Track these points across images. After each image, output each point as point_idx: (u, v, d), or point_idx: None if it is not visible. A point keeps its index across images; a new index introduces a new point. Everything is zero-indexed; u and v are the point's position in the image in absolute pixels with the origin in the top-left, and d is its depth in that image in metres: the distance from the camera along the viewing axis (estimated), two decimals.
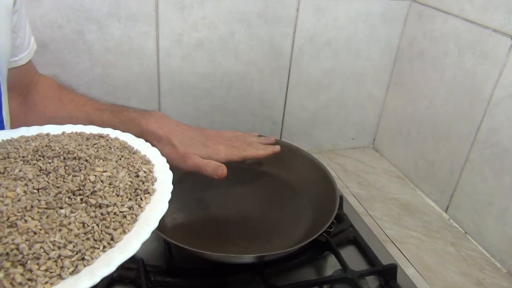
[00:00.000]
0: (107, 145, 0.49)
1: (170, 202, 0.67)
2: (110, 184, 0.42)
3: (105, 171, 0.44)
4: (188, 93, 0.84)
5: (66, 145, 0.47)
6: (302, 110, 0.95)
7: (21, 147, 0.45)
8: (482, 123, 0.73)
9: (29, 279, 0.31)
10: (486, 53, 0.71)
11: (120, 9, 0.73)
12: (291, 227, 0.68)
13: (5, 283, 0.30)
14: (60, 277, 0.33)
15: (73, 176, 0.42)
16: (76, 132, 0.52)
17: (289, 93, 0.91)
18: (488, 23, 0.71)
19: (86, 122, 0.55)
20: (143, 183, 0.44)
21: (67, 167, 0.43)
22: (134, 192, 0.43)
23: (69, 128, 0.53)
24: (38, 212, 0.37)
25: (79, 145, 0.47)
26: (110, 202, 0.40)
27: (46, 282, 0.31)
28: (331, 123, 0.99)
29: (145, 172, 0.46)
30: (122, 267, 0.60)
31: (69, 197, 0.39)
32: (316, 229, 0.60)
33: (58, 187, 0.40)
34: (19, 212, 0.36)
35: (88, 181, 0.42)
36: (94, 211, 0.39)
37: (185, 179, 0.75)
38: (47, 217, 0.36)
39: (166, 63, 0.80)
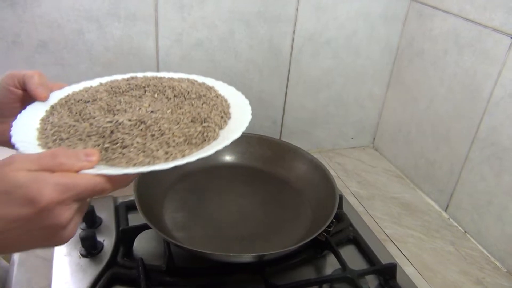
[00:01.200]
0: (157, 79, 0.59)
1: (169, 201, 0.68)
2: (193, 88, 0.56)
3: (181, 84, 0.56)
4: None
5: (128, 83, 0.56)
6: (302, 110, 0.95)
7: (94, 92, 0.54)
8: (481, 122, 0.73)
9: (215, 125, 0.49)
10: (485, 52, 0.71)
11: (119, 9, 0.73)
12: (290, 226, 0.68)
13: (205, 131, 0.48)
14: (226, 122, 0.51)
15: (159, 93, 0.54)
16: (110, 81, 0.59)
17: (289, 92, 0.91)
18: (487, 22, 0.70)
19: None
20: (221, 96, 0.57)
21: (147, 92, 0.54)
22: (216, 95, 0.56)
23: (105, 79, 0.59)
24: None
25: (136, 81, 0.57)
26: (205, 94, 0.55)
27: (221, 127, 0.50)
28: (331, 122, 0.99)
29: (214, 89, 0.58)
30: (122, 266, 0.60)
31: (177, 99, 0.53)
32: (315, 228, 0.61)
33: (160, 100, 0.52)
34: (168, 110, 0.50)
35: (179, 88, 0.55)
36: (199, 101, 0.53)
37: (185, 178, 0.75)
38: (181, 108, 0.51)
39: (166, 63, 0.80)
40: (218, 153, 0.81)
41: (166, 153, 0.44)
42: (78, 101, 0.52)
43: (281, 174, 0.78)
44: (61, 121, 0.48)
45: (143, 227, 0.64)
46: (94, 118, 0.48)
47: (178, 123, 0.48)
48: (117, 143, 0.44)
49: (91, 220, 0.67)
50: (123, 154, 0.43)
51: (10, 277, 0.61)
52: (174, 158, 0.44)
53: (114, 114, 0.49)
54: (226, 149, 0.79)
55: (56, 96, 0.52)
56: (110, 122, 0.47)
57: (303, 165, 0.77)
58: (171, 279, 0.59)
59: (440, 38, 0.81)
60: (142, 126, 0.46)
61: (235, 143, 0.81)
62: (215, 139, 0.48)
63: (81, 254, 0.62)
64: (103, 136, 0.45)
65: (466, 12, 0.74)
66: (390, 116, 0.99)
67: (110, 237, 0.65)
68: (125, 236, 0.64)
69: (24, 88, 0.49)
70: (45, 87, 0.50)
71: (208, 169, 0.79)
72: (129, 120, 0.47)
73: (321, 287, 0.61)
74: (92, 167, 0.39)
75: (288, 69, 0.89)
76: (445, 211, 0.83)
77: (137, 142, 0.44)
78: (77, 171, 0.37)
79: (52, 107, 0.51)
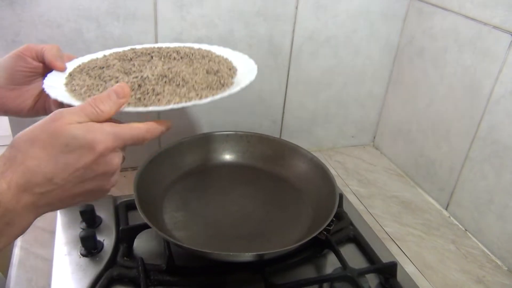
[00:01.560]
0: (157, 48, 0.63)
1: (169, 200, 0.68)
2: (195, 51, 0.61)
3: (183, 49, 0.61)
4: None
5: (133, 52, 0.60)
6: (302, 108, 0.95)
7: (105, 60, 0.58)
8: (482, 120, 0.73)
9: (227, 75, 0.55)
10: (486, 50, 0.71)
11: (119, 8, 0.73)
12: (290, 225, 0.68)
13: (220, 79, 0.53)
14: (235, 73, 0.57)
15: (165, 57, 0.58)
16: (113, 52, 0.62)
17: (289, 91, 0.91)
18: (488, 20, 0.70)
19: None
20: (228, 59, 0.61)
21: (154, 57, 0.58)
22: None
23: (107, 51, 0.63)
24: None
25: (140, 50, 0.61)
26: (207, 55, 0.60)
27: (232, 77, 0.56)
28: (331, 121, 0.99)
29: (212, 51, 0.63)
30: (122, 265, 0.60)
31: (185, 59, 0.58)
32: (316, 227, 0.60)
33: (169, 62, 0.57)
34: (182, 66, 0.54)
35: (183, 51, 0.60)
36: (204, 60, 0.58)
37: (185, 177, 0.75)
38: (191, 65, 0.56)
39: None
40: (217, 152, 0.83)
41: (197, 94, 0.49)
42: (93, 68, 0.55)
43: (281, 173, 0.78)
44: (86, 83, 0.51)
45: (143, 227, 0.64)
46: (117, 77, 0.52)
47: (196, 74, 0.53)
48: (148, 92, 0.48)
49: (91, 220, 0.67)
50: (159, 99, 0.47)
51: (8, 282, 0.61)
52: (206, 97, 0.49)
53: (130, 74, 0.53)
54: (226, 147, 0.80)
55: (69, 67, 0.56)
56: (136, 77, 0.50)
57: (303, 164, 0.77)
58: (171, 278, 0.59)
59: (440, 36, 0.80)
60: (165, 79, 0.51)
61: (235, 142, 0.82)
62: (232, 84, 0.54)
63: (81, 254, 0.62)
64: (133, 89, 0.49)
65: (466, 9, 0.74)
66: (390, 115, 0.99)
67: (110, 237, 0.65)
68: (125, 236, 0.64)
69: (41, 61, 0.53)
70: (63, 59, 0.55)
71: (208, 168, 0.79)
72: (152, 75, 0.51)
73: (321, 286, 0.61)
74: (127, 101, 0.44)
75: (288, 68, 0.89)
76: (446, 209, 0.83)
77: (168, 89, 0.49)
78: (117, 110, 0.42)
79: (70, 74, 0.54)
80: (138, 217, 0.60)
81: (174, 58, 0.58)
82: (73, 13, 0.71)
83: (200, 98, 0.48)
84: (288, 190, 0.75)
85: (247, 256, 0.57)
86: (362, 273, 0.61)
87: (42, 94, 0.54)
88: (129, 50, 0.62)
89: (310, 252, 0.65)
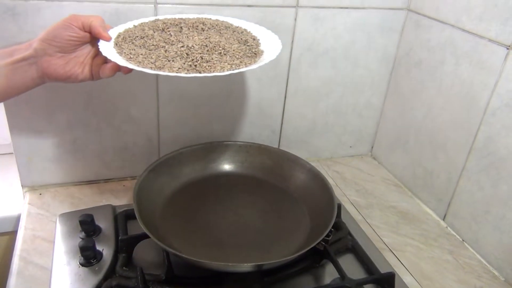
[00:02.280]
0: (181, 19, 0.66)
1: (168, 210, 0.68)
2: (217, 22, 0.65)
3: (207, 20, 0.65)
4: (187, 102, 0.84)
5: (162, 22, 0.64)
6: (301, 119, 0.95)
7: (141, 31, 0.62)
8: (478, 132, 0.74)
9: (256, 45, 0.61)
10: (482, 63, 0.72)
11: (120, 20, 0.73)
12: (289, 235, 0.68)
13: (251, 48, 0.59)
14: (259, 43, 0.62)
15: (193, 28, 0.62)
16: (141, 23, 0.66)
17: (287, 101, 0.92)
18: (484, 33, 0.71)
19: None
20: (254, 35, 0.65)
21: (183, 28, 0.62)
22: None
23: (135, 21, 0.66)
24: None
25: (166, 21, 0.65)
26: (229, 26, 0.65)
27: (258, 45, 0.61)
28: (329, 131, 1.00)
29: (247, 29, 0.66)
30: (121, 275, 0.60)
31: (212, 30, 0.62)
32: (314, 237, 0.61)
33: (199, 32, 0.61)
34: (216, 36, 0.59)
35: (208, 22, 0.63)
36: (229, 30, 0.63)
37: (184, 187, 0.76)
38: (221, 36, 0.61)
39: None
40: (217, 162, 0.83)
41: (241, 62, 0.55)
42: (135, 38, 0.60)
43: (280, 183, 0.79)
44: (137, 52, 0.56)
45: (142, 236, 0.64)
46: (164, 47, 0.56)
47: (231, 44, 0.58)
48: (197, 60, 0.54)
49: (91, 229, 0.67)
50: (210, 66, 0.52)
51: None
52: (250, 64, 0.54)
53: (173, 44, 0.57)
54: (225, 157, 0.81)
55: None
56: (182, 46, 0.56)
57: (302, 174, 0.77)
58: None
59: (437, 48, 0.82)
60: (207, 48, 0.56)
61: (234, 152, 0.82)
62: (262, 52, 0.59)
63: (80, 264, 0.62)
64: (183, 57, 0.54)
65: (463, 23, 0.75)
66: (388, 125, 0.99)
67: (110, 246, 0.65)
68: (124, 246, 0.64)
69: (87, 30, 0.58)
70: (107, 30, 0.59)
71: (207, 178, 0.79)
72: (196, 45, 0.56)
73: None
74: None
75: (287, 78, 0.89)
76: (443, 220, 0.83)
77: (215, 57, 0.54)
78: None
79: (116, 43, 0.59)
80: (137, 226, 0.60)
81: (202, 29, 0.62)
82: None
83: (246, 65, 0.54)
84: (286, 200, 0.76)
85: (246, 266, 0.57)
86: (360, 283, 0.61)
87: (88, 61, 0.60)
88: (155, 20, 0.65)
89: (309, 262, 0.66)
